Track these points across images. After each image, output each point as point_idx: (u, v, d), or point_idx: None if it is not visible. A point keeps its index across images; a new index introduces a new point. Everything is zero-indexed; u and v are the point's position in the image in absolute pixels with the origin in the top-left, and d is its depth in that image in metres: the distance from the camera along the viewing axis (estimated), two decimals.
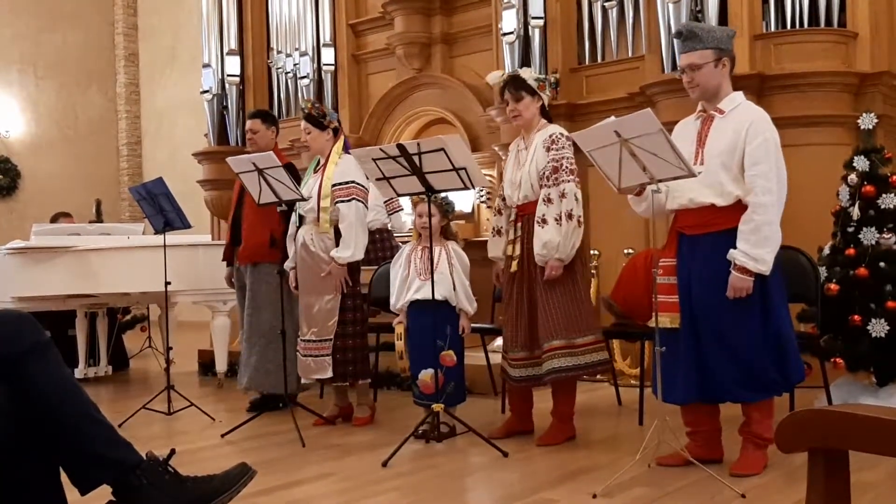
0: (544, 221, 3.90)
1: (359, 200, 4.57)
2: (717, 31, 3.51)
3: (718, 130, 3.40)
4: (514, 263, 4.08)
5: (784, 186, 3.34)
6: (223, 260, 5.41)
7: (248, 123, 5.33)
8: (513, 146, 4.24)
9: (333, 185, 4.56)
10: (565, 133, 4.01)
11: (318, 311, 4.61)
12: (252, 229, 5.09)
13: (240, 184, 5.21)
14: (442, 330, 4.16)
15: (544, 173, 3.95)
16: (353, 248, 4.52)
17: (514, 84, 4.06)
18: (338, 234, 4.58)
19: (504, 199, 4.22)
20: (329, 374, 4.58)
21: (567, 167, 3.93)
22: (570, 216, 3.88)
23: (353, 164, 4.48)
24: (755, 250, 3.24)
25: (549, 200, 3.91)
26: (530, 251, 4.00)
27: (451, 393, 4.18)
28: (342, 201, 4.54)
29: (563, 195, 3.89)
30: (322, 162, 4.71)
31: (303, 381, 4.88)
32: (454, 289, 4.25)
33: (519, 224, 4.09)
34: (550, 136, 4.00)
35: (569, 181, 3.91)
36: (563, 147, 3.95)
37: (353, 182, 4.52)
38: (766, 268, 3.26)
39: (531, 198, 4.01)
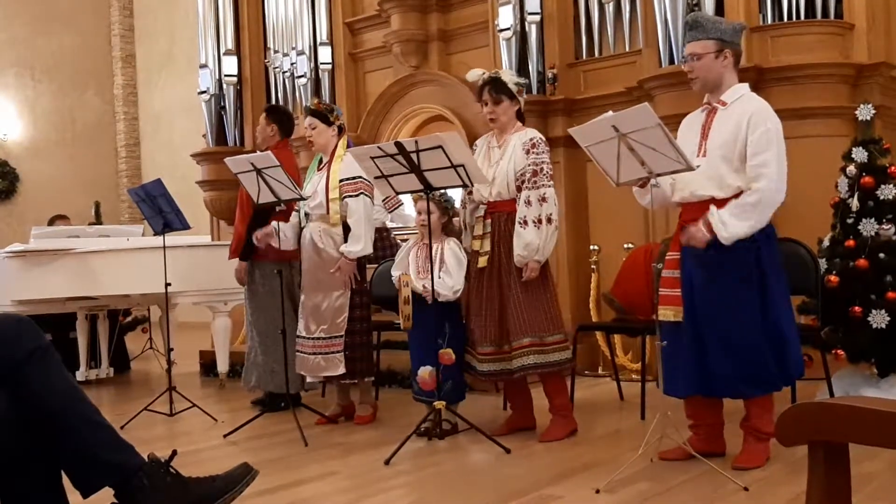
0: (525, 223, 3.96)
1: (366, 195, 4.57)
2: (724, 23, 3.50)
3: (720, 122, 3.39)
4: (483, 259, 4.11)
5: (784, 177, 3.33)
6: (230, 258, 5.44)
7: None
8: (481, 142, 4.28)
9: (341, 180, 4.57)
10: (543, 138, 4.11)
11: (327, 308, 4.61)
12: (235, 225, 5.17)
13: None
14: (441, 328, 4.15)
15: (524, 175, 4.00)
16: (362, 243, 4.52)
17: (495, 87, 4.10)
18: (345, 230, 4.58)
19: (470, 193, 4.23)
20: (341, 370, 4.57)
21: (547, 172, 4.01)
22: (549, 220, 3.97)
23: None
24: (732, 220, 3.24)
25: (528, 203, 3.97)
26: (501, 248, 4.05)
27: (449, 390, 4.18)
28: (350, 196, 4.55)
29: (543, 199, 3.97)
30: (326, 159, 4.71)
31: (308, 379, 4.87)
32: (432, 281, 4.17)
33: (489, 220, 4.12)
34: (531, 140, 4.05)
35: (549, 185, 4.00)
36: (542, 152, 4.04)
37: (360, 177, 4.51)
38: (728, 236, 3.25)
39: (504, 196, 4.06)
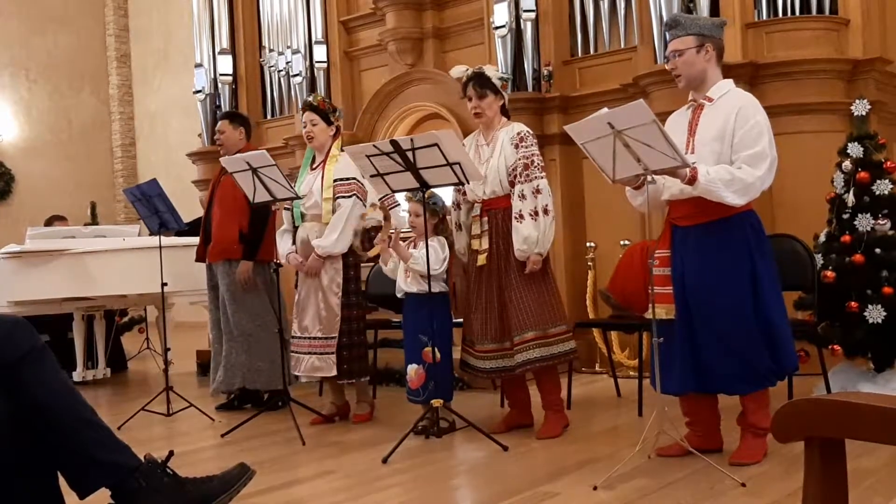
0: (521, 217, 3.96)
1: (358, 198, 4.59)
2: (702, 19, 3.54)
3: (708, 118, 3.40)
4: (482, 257, 4.11)
5: (773, 170, 3.32)
6: (197, 260, 5.34)
7: (218, 125, 5.30)
8: (469, 141, 4.29)
9: (336, 180, 4.58)
10: (531, 131, 4.13)
11: (323, 308, 4.60)
12: (221, 226, 5.07)
13: (213, 182, 5.23)
14: (427, 325, 4.11)
15: (515, 170, 4.01)
16: (334, 238, 4.50)
17: (479, 81, 4.13)
18: None
19: (464, 194, 4.24)
20: (333, 372, 4.56)
21: (538, 164, 4.03)
22: (546, 211, 3.98)
23: (352, 162, 4.49)
24: (719, 183, 3.19)
25: (523, 196, 3.98)
26: (499, 245, 4.06)
27: (431, 390, 4.13)
28: (343, 196, 4.56)
29: (537, 191, 3.98)
30: (321, 158, 4.70)
31: (297, 375, 4.84)
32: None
33: (485, 218, 4.13)
34: (519, 134, 4.07)
35: (542, 177, 4.01)
36: (532, 144, 4.06)
37: (354, 178, 4.54)
38: (700, 190, 3.21)
39: (499, 193, 4.08)
